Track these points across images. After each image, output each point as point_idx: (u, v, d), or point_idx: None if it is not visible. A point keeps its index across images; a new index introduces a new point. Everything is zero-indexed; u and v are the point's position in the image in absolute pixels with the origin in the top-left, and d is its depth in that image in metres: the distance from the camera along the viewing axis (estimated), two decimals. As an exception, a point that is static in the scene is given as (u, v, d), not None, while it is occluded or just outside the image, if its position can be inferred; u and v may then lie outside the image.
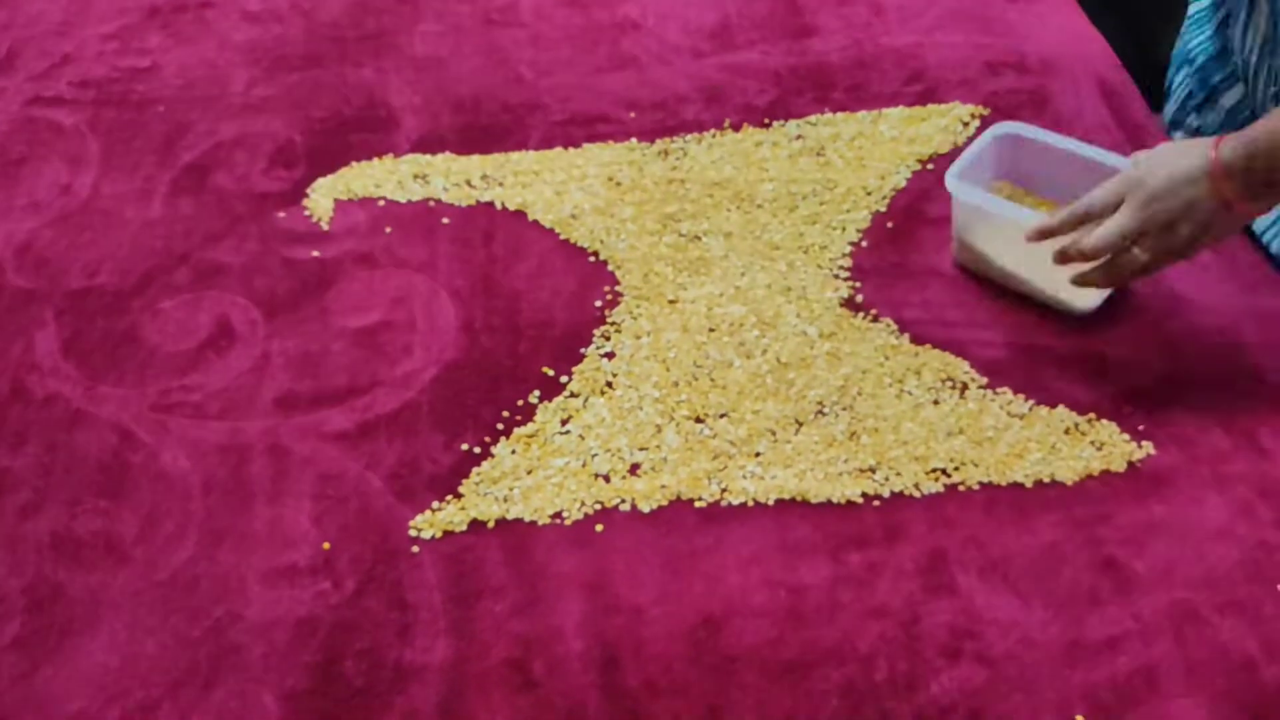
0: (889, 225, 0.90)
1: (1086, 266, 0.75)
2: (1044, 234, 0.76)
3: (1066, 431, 0.74)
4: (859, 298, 0.84)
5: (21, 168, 0.99)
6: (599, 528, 0.71)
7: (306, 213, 0.93)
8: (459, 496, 0.73)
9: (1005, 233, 0.80)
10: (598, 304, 0.85)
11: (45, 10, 1.17)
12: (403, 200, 0.94)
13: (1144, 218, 0.71)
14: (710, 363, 0.79)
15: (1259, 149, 0.69)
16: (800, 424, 0.75)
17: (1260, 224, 0.88)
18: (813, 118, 0.99)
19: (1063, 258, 0.75)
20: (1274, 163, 0.69)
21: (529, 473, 0.74)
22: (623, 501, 0.72)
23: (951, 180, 0.81)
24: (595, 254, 0.89)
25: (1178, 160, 0.72)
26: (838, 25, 1.09)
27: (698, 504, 0.72)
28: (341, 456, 0.75)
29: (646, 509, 0.71)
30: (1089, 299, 0.80)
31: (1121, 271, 0.74)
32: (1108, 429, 0.74)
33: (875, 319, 0.82)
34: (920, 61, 1.04)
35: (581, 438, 0.75)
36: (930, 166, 0.94)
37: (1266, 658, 0.63)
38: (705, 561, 0.69)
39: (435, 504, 0.72)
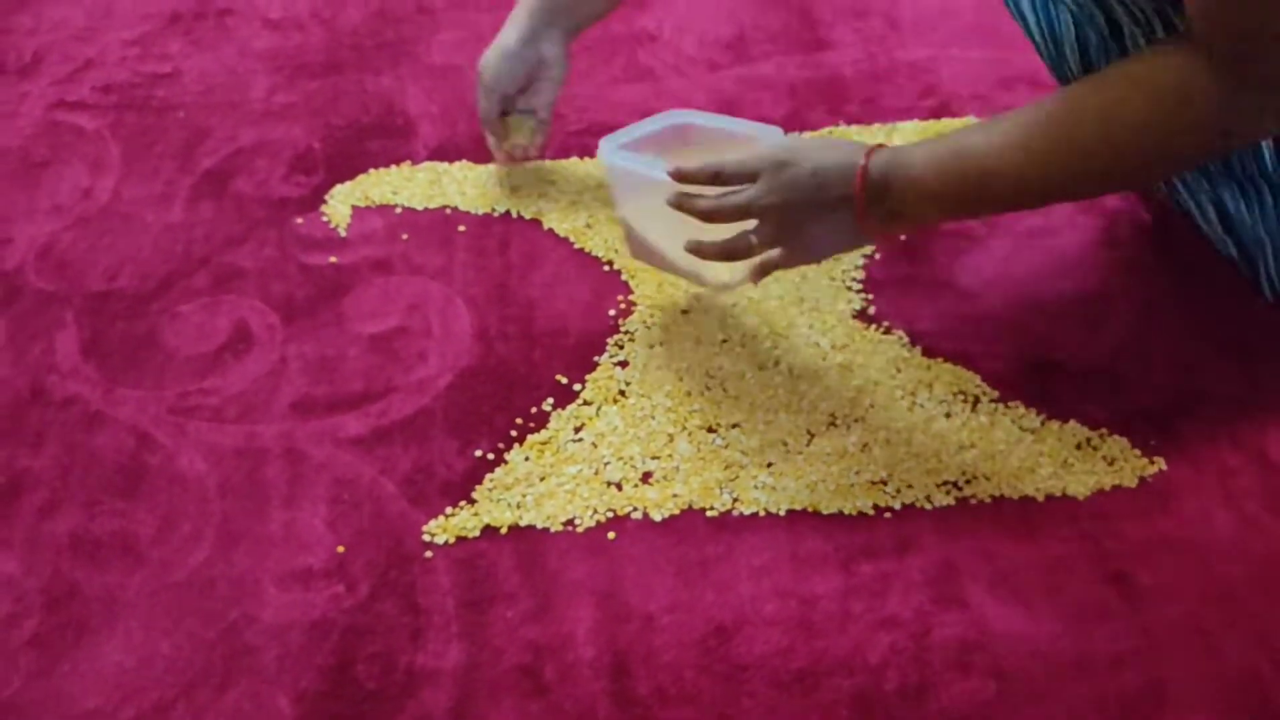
0: (901, 238, 0.90)
1: (708, 237, 0.72)
2: (680, 177, 0.71)
3: (1078, 446, 0.75)
4: (871, 310, 0.85)
5: (44, 171, 1.01)
6: (611, 535, 0.71)
7: (324, 219, 0.94)
8: (472, 502, 0.73)
9: (643, 198, 0.75)
10: (612, 313, 0.85)
11: (69, 16, 1.18)
12: (419, 208, 0.95)
13: (771, 204, 0.68)
14: (723, 373, 0.80)
15: (894, 173, 0.65)
16: (812, 435, 0.76)
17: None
18: (827, 130, 1.00)
19: (677, 204, 0.71)
20: (908, 193, 0.66)
21: (542, 479, 0.74)
22: (635, 510, 0.72)
23: (604, 147, 0.76)
24: (610, 263, 0.89)
25: (828, 155, 0.68)
26: (852, 39, 1.09)
27: (709, 513, 0.72)
28: (356, 461, 0.76)
29: (658, 517, 0.72)
30: (723, 273, 0.76)
31: (736, 252, 0.71)
32: (1119, 444, 0.75)
33: (887, 331, 0.83)
34: (934, 76, 1.05)
35: (594, 445, 0.76)
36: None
37: (1275, 673, 0.63)
38: (716, 570, 0.69)
39: (449, 509, 0.73)
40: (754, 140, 0.76)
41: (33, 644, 0.67)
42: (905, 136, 0.99)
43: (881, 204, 0.67)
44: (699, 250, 0.72)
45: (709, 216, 0.70)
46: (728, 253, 0.71)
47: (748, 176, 0.69)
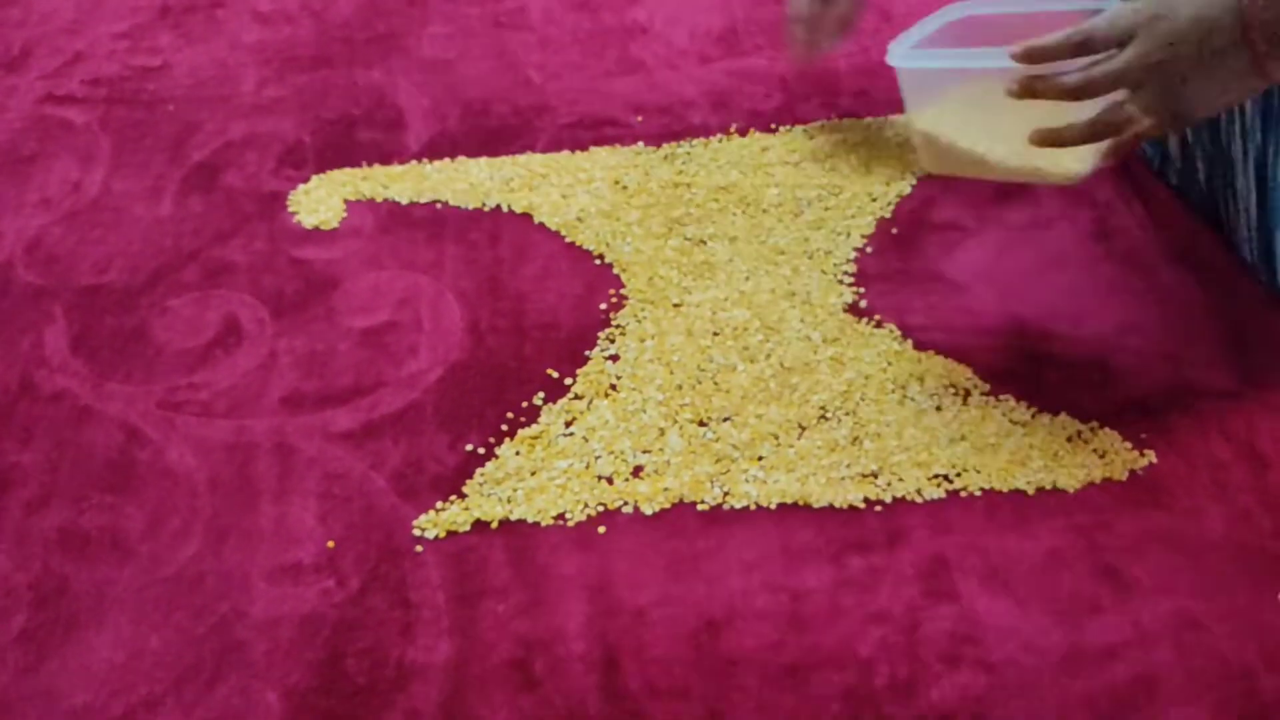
0: (894, 231, 0.90)
1: (1061, 122, 0.62)
2: (1032, 56, 0.62)
3: (1069, 439, 0.75)
4: (863, 303, 0.84)
5: (32, 165, 1.00)
6: (601, 529, 0.71)
7: (312, 214, 0.94)
8: (463, 497, 0.73)
9: (952, 98, 0.68)
10: (602, 307, 0.85)
11: (58, 9, 1.18)
12: (409, 201, 0.95)
13: (1155, 62, 0.59)
14: (714, 366, 0.80)
15: None
16: (803, 428, 0.76)
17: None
18: (819, 123, 0.99)
19: (1029, 89, 0.62)
20: None
21: (532, 474, 0.74)
22: (625, 504, 0.72)
23: (896, 51, 0.69)
24: (601, 257, 0.89)
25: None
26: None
27: (700, 507, 0.72)
28: (346, 456, 0.76)
29: (649, 511, 0.72)
30: (1071, 163, 0.67)
31: (1109, 128, 0.62)
32: (1110, 437, 0.75)
33: (879, 325, 0.83)
34: (927, 68, 1.04)
35: (585, 440, 0.76)
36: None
37: (1266, 667, 0.63)
38: (707, 564, 0.69)
39: (439, 504, 0.73)
40: (1058, 14, 0.66)
41: (21, 640, 0.67)
42: (898, 129, 0.98)
43: (1277, 38, 0.58)
44: (1059, 137, 0.62)
45: (1078, 93, 0.60)
46: (1101, 130, 0.61)
47: (1119, 39, 0.60)
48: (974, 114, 0.67)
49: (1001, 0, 0.72)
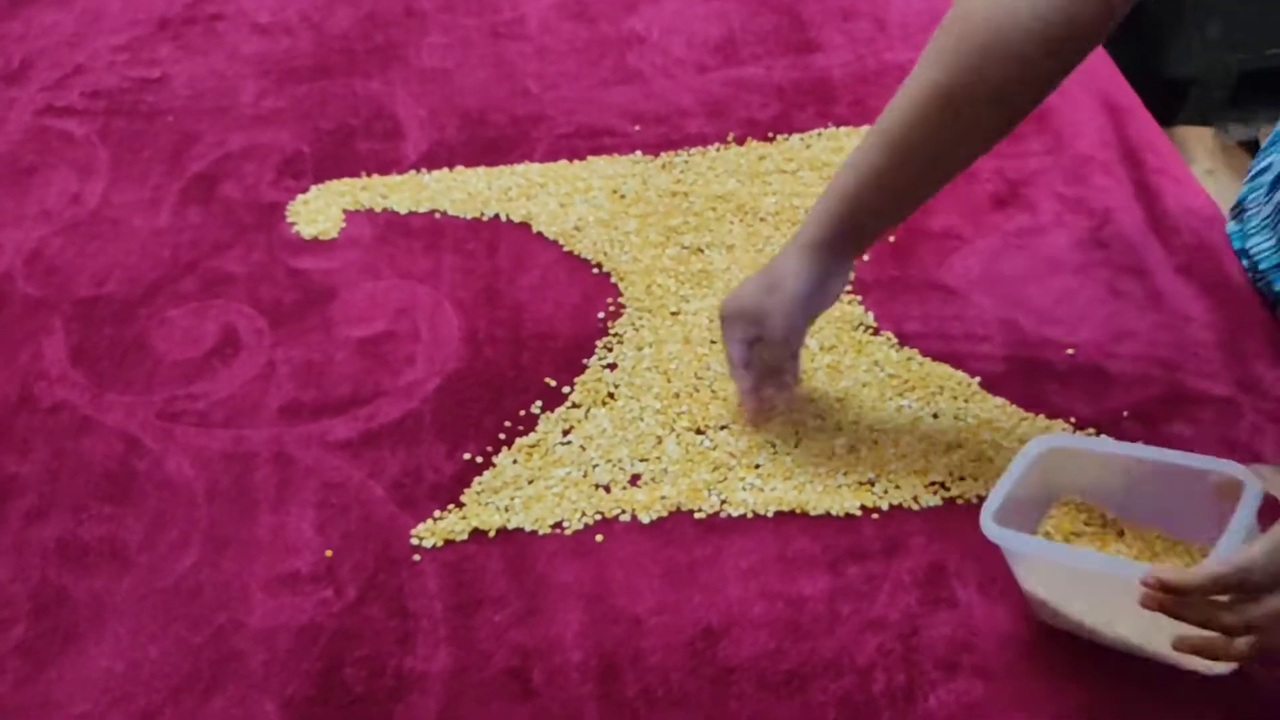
0: (890, 239, 0.90)
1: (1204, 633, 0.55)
2: (1167, 588, 0.54)
3: (1066, 446, 0.75)
4: (860, 311, 0.84)
5: (32, 177, 1.01)
6: (599, 538, 0.71)
7: (311, 224, 0.94)
8: (460, 506, 0.73)
9: (1084, 580, 0.61)
10: (600, 315, 0.85)
11: (58, 21, 1.18)
12: (408, 211, 0.95)
13: None
14: (711, 375, 0.80)
15: None
16: (800, 436, 0.76)
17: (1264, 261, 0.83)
18: (816, 132, 1.00)
19: (1172, 613, 0.55)
20: None
21: (530, 482, 0.74)
22: (623, 512, 0.72)
23: (988, 518, 0.61)
24: (598, 266, 0.89)
25: None
26: (841, 41, 1.10)
27: (697, 515, 0.72)
28: (344, 465, 0.76)
29: (646, 520, 0.72)
30: (1211, 665, 0.61)
31: (1270, 649, 0.54)
32: (1107, 444, 0.75)
33: (875, 332, 0.83)
34: (923, 77, 1.05)
35: (583, 448, 0.76)
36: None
37: (1267, 674, 0.63)
38: (704, 572, 0.69)
39: (437, 513, 0.73)
40: (1184, 469, 0.61)
41: (19, 650, 0.67)
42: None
43: None
44: (1213, 650, 0.56)
45: (1234, 632, 0.54)
46: (1266, 655, 0.55)
47: (1271, 584, 0.53)
48: (1097, 594, 0.61)
49: (1084, 440, 0.67)
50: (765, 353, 0.72)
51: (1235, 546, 0.56)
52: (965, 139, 0.66)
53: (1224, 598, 0.54)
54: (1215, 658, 0.57)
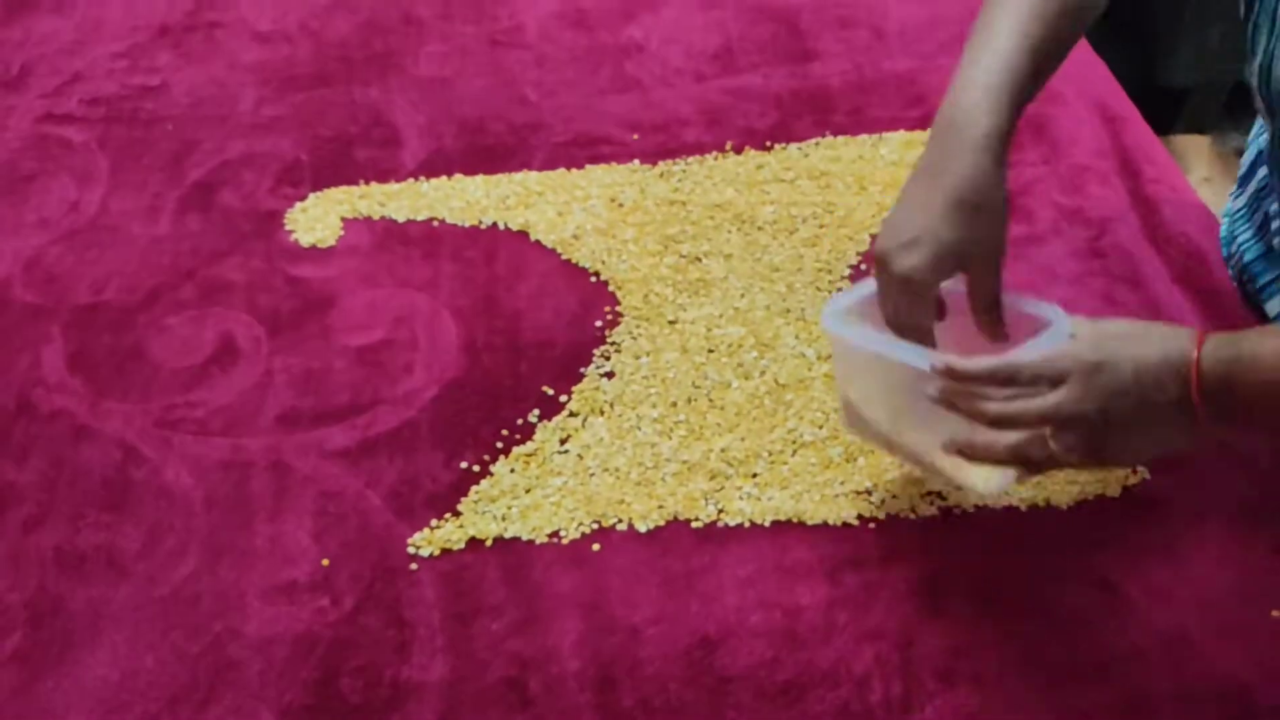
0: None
1: (979, 434, 0.59)
2: (954, 376, 0.59)
3: (1062, 455, 0.75)
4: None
5: (31, 184, 1.01)
6: (596, 547, 0.71)
7: (309, 232, 0.94)
8: (458, 515, 0.73)
9: (880, 378, 0.63)
10: (598, 324, 0.85)
11: (58, 29, 1.18)
12: (406, 219, 0.95)
13: (1082, 411, 0.56)
14: (709, 383, 0.80)
15: (1240, 371, 0.55)
16: (797, 446, 0.76)
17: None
18: (814, 141, 1.00)
19: (948, 401, 0.59)
20: (1256, 392, 0.55)
21: (527, 491, 0.74)
22: (620, 521, 0.72)
23: (827, 315, 0.63)
24: (596, 274, 0.89)
25: (1148, 350, 0.57)
26: (839, 49, 1.10)
27: (694, 524, 0.72)
28: (342, 474, 0.76)
29: (643, 529, 0.72)
30: (988, 478, 0.63)
31: (1026, 461, 0.59)
32: (1104, 453, 0.75)
33: (873, 341, 0.83)
34: (921, 86, 1.05)
35: (580, 457, 0.76)
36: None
37: (1260, 683, 0.63)
38: (702, 582, 0.69)
39: (434, 522, 0.73)
40: (1012, 311, 0.63)
41: (15, 659, 0.67)
42: (892, 147, 0.99)
43: (1222, 404, 0.56)
44: (973, 451, 0.60)
45: (997, 424, 0.58)
46: (1019, 460, 0.59)
47: (1051, 379, 0.57)
48: (896, 396, 0.63)
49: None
50: (982, 285, 0.62)
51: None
52: None
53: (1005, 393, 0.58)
54: (980, 458, 0.60)
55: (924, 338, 0.63)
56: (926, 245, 0.60)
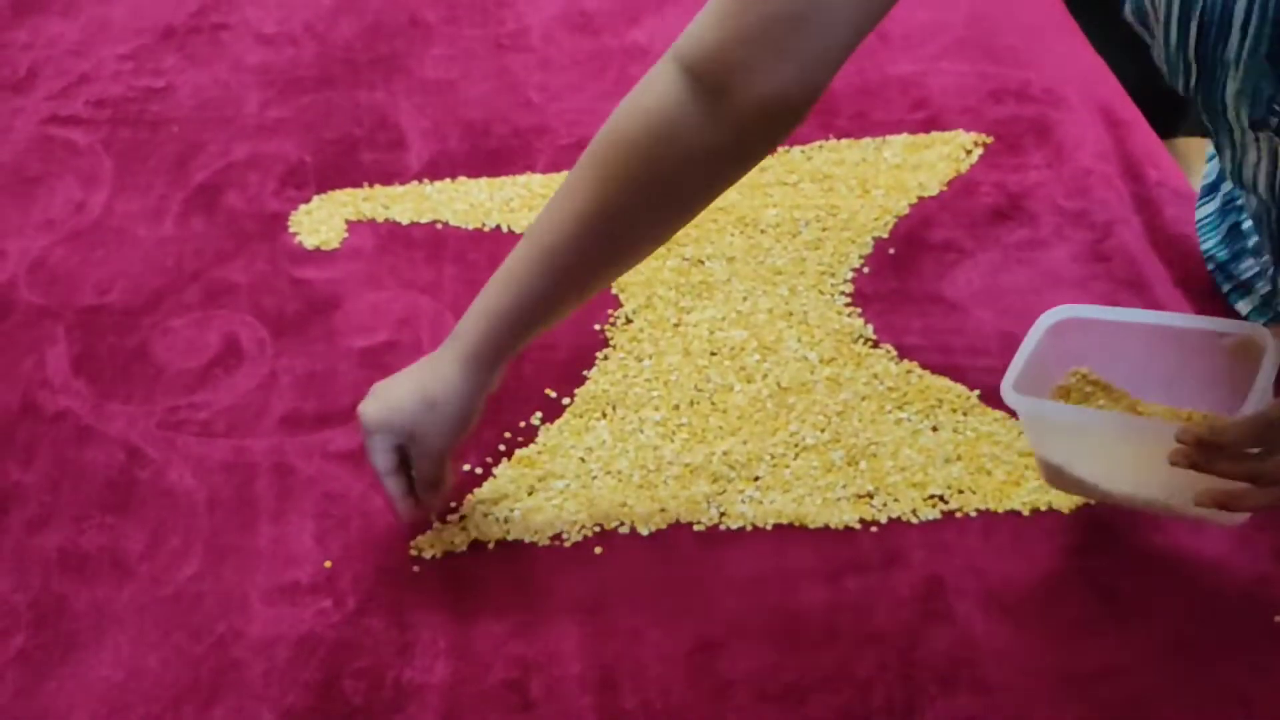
0: (891, 252, 0.90)
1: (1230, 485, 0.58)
2: (1205, 449, 0.58)
3: (1065, 460, 0.75)
4: (860, 323, 0.85)
5: (37, 186, 1.01)
6: (598, 550, 0.71)
7: (313, 234, 0.95)
8: (460, 517, 0.73)
9: (1100, 443, 0.63)
10: (600, 327, 0.86)
11: (64, 31, 1.19)
12: (410, 222, 0.96)
13: None
14: (711, 386, 0.80)
15: None
16: (799, 449, 0.76)
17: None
18: (817, 144, 1.00)
19: (1189, 464, 0.58)
20: None
21: (530, 494, 0.74)
22: (622, 524, 0.72)
23: (1009, 388, 0.64)
24: (599, 277, 0.90)
25: None
26: (843, 53, 1.10)
27: (696, 527, 0.72)
28: (345, 476, 0.76)
29: (645, 532, 0.72)
30: (1239, 516, 0.64)
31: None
32: (1106, 458, 0.75)
33: (875, 345, 0.83)
34: (924, 90, 1.05)
35: (582, 460, 0.76)
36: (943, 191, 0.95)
37: (1261, 690, 0.63)
38: (703, 585, 0.69)
39: (436, 524, 0.73)
40: (1162, 328, 0.65)
41: (19, 660, 0.67)
42: (895, 150, 0.99)
43: None
44: (1232, 501, 0.59)
45: (1254, 480, 0.58)
46: (1266, 506, 0.59)
47: None
48: (1109, 456, 0.63)
49: (1104, 310, 0.69)
50: (420, 465, 0.68)
51: (1260, 402, 0.60)
52: (627, 252, 0.66)
53: (1254, 450, 0.57)
54: (1237, 509, 0.60)
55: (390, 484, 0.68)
56: (377, 407, 0.68)
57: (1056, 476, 0.67)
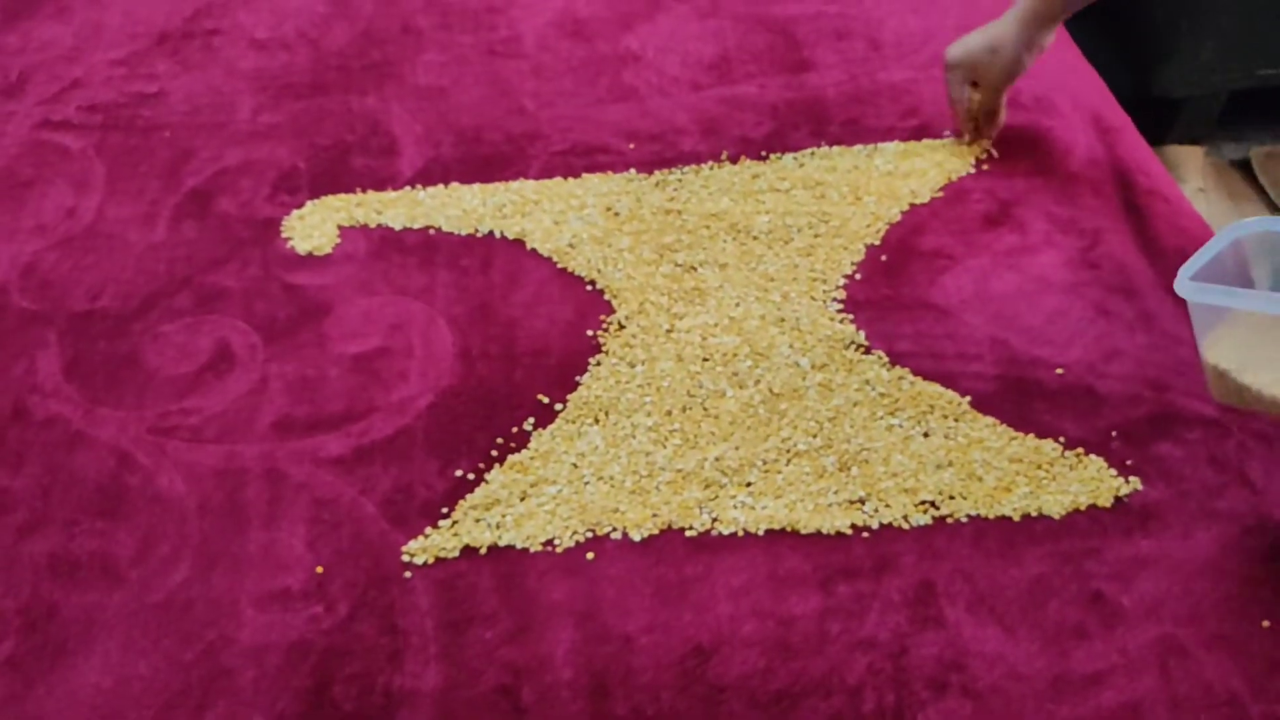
0: (882, 258, 0.91)
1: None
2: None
3: (1054, 465, 0.75)
4: (851, 329, 0.85)
5: (28, 190, 1.01)
6: (590, 556, 0.71)
7: (306, 240, 0.95)
8: (452, 523, 0.73)
9: (1257, 332, 0.61)
10: (593, 332, 0.86)
11: (57, 36, 1.19)
12: (402, 228, 0.96)
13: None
14: (703, 392, 0.80)
15: None
16: (791, 455, 0.76)
17: None
18: (809, 151, 1.00)
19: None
20: None
21: (522, 500, 0.74)
22: (614, 530, 0.73)
23: (1184, 278, 0.62)
24: (592, 283, 0.90)
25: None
26: (835, 60, 1.10)
27: (688, 533, 0.72)
28: (336, 481, 0.76)
29: (637, 537, 0.72)
30: None
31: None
32: (1095, 464, 0.75)
33: (867, 351, 0.83)
34: (915, 97, 1.06)
35: (575, 465, 0.76)
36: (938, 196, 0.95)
37: (1252, 694, 0.64)
38: (695, 591, 0.69)
39: (428, 530, 0.73)
40: None
41: (9, 665, 0.67)
42: (887, 157, 0.99)
43: None
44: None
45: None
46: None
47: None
48: (1270, 350, 0.61)
49: None
50: (984, 95, 0.93)
51: None
52: None
53: None
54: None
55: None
56: (958, 47, 0.95)
57: (1226, 387, 0.63)
